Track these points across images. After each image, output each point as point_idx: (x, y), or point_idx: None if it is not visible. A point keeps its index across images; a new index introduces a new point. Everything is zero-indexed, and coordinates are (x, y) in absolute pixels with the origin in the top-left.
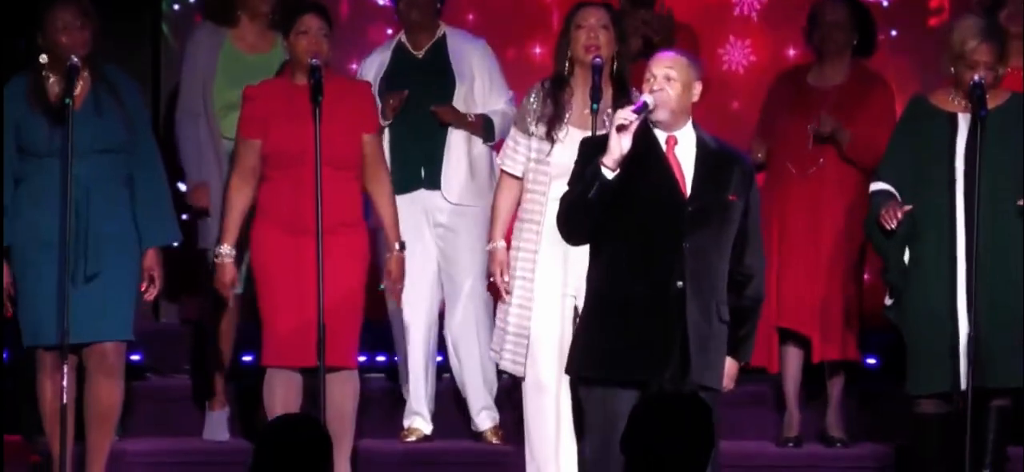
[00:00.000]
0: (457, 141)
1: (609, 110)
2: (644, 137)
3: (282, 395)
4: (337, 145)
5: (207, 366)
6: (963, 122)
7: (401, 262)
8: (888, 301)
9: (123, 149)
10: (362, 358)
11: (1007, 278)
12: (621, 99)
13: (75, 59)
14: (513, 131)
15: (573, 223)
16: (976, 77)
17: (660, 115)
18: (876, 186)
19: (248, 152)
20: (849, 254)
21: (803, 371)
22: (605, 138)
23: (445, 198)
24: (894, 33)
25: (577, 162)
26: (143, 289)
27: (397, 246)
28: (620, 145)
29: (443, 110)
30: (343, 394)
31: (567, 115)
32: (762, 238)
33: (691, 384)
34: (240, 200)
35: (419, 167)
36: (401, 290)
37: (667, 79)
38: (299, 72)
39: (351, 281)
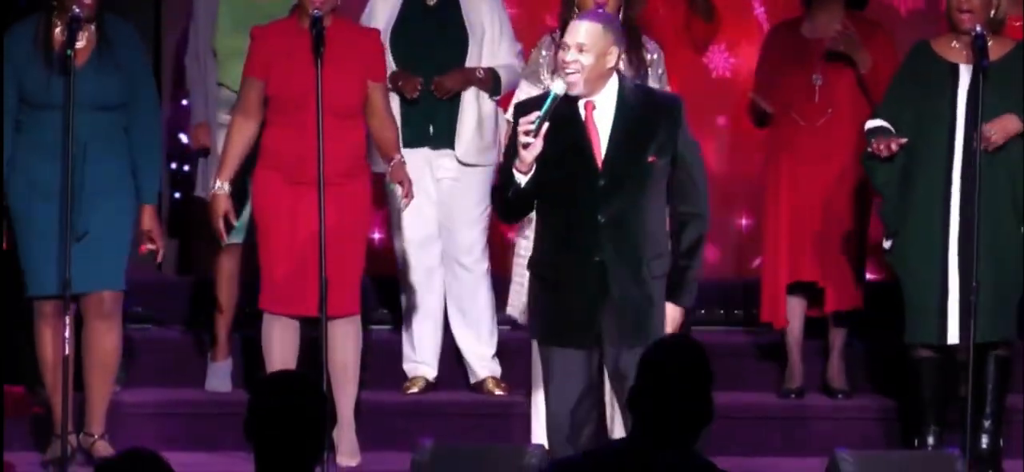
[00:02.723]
0: (469, 100)
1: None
2: (565, 106)
3: (279, 342)
4: (342, 93)
5: (210, 317)
6: (965, 72)
7: (404, 167)
8: (887, 244)
9: (123, 106)
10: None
11: (1002, 230)
12: (631, 47)
13: (77, 10)
14: (523, 85)
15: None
16: (978, 28)
17: (576, 91)
18: (872, 123)
19: (252, 90)
20: (857, 205)
21: (804, 322)
22: (539, 99)
23: (459, 159)
24: None
25: (511, 131)
26: (142, 252)
27: (398, 155)
28: (531, 153)
29: (449, 80)
30: (345, 342)
31: None
32: (704, 176)
33: (629, 348)
34: (240, 139)
35: (427, 124)
36: (409, 191)
37: (579, 49)
38: (305, 16)
39: (352, 230)
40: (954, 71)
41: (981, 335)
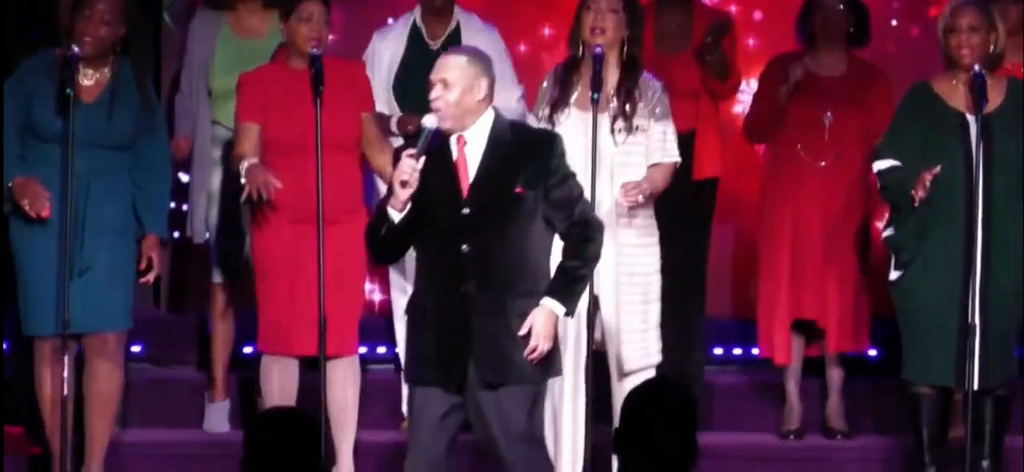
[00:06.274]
0: None
1: (612, 98)
2: (439, 141)
3: (278, 382)
4: (337, 128)
5: (207, 357)
6: (973, 122)
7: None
8: (893, 276)
9: (130, 147)
10: (363, 349)
11: (1008, 276)
12: (630, 82)
13: (76, 50)
14: (530, 118)
15: (376, 251)
16: (976, 68)
17: (445, 125)
18: (883, 164)
19: (247, 135)
20: (860, 246)
21: (802, 362)
22: (414, 137)
23: None
24: (894, 23)
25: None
26: (140, 268)
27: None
28: (407, 191)
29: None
30: (344, 382)
31: (572, 98)
32: (583, 197)
33: (487, 387)
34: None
35: None
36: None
37: (444, 85)
38: (296, 57)
39: (352, 269)
40: (963, 122)
41: (995, 377)
